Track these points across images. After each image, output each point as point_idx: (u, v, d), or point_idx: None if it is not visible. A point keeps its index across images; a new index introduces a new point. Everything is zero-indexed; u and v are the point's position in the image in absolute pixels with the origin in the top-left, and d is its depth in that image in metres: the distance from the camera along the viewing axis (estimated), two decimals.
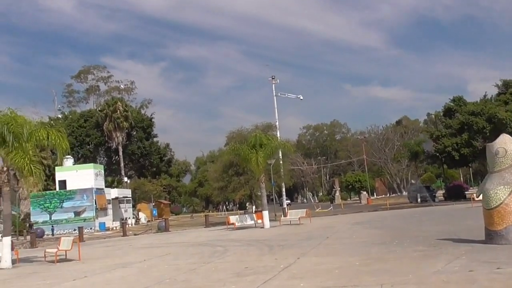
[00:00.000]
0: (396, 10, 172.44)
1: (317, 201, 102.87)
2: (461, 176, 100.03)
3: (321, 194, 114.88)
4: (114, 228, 45.60)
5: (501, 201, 13.20)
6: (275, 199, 68.19)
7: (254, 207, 51.99)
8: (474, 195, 37.86)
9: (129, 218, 52.63)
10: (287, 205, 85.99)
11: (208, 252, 18.38)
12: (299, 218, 31.41)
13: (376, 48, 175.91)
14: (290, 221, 32.51)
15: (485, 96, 55.83)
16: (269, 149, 31.28)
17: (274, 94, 50.08)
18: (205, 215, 41.67)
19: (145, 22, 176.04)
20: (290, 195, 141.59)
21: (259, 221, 32.12)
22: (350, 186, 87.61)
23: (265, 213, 31.29)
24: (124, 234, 35.50)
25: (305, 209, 33.75)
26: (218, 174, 46.82)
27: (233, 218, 32.59)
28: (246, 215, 34.33)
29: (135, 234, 37.00)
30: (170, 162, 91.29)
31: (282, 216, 36.90)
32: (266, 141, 31.65)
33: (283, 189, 48.73)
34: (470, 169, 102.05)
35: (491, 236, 13.31)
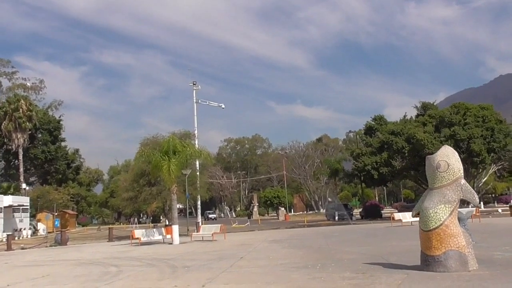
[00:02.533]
0: (322, 33, 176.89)
1: (234, 216, 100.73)
2: (376, 195, 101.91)
3: (239, 209, 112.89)
4: (1, 241, 40.42)
5: (441, 222, 11.35)
6: (194, 212, 65.27)
7: (167, 220, 48.78)
8: (397, 214, 37.17)
9: (24, 229, 47.32)
10: (212, 219, 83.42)
11: (97, 273, 15.29)
12: (212, 234, 28.79)
13: (302, 68, 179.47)
14: (203, 237, 29.87)
15: (404, 116, 56.41)
16: (183, 157, 28.49)
17: (194, 100, 47.49)
18: (109, 227, 37.83)
19: (68, 24, 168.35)
20: (207, 209, 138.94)
21: (168, 236, 29.19)
22: (269, 202, 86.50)
23: (175, 228, 28.39)
24: (9, 248, 30.86)
25: (220, 224, 31.18)
26: (128, 184, 43.26)
27: (138, 232, 29.32)
28: (154, 229, 31.15)
29: (22, 248, 32.48)
30: (78, 169, 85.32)
31: (196, 231, 34.14)
32: (181, 148, 28.83)
33: (198, 202, 45.74)
34: (385, 189, 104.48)
35: (428, 262, 11.41)
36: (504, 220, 35.57)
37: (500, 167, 45.22)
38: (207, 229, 30.57)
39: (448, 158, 11.71)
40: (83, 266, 17.93)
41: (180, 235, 29.51)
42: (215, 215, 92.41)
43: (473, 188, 24.95)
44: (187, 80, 48.39)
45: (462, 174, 11.75)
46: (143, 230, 31.16)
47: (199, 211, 47.36)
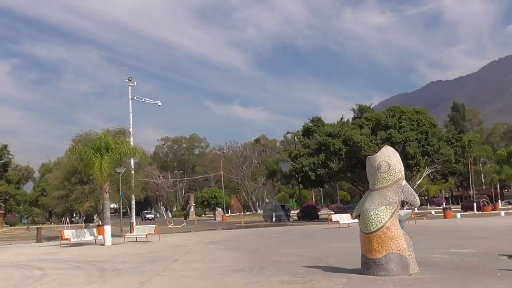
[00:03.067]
0: (261, 34, 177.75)
1: (170, 216, 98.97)
2: (313, 197, 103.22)
3: (175, 209, 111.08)
4: None
5: (382, 224, 11.12)
6: (129, 212, 63.26)
7: (100, 220, 46.85)
8: (335, 216, 37.34)
9: None
10: (150, 219, 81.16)
11: (18, 277, 14.08)
12: (146, 235, 27.71)
13: (240, 69, 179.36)
14: (137, 238, 28.71)
15: (341, 119, 57.22)
16: (117, 154, 27.22)
17: (130, 97, 45.97)
18: (37, 228, 35.76)
19: None
20: (143, 209, 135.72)
21: (100, 237, 27.84)
22: (206, 202, 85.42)
23: (107, 228, 27.13)
24: None
25: (154, 225, 30.11)
26: (58, 182, 41.16)
27: (68, 233, 27.78)
28: (85, 230, 29.63)
29: None
30: (6, 166, 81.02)
31: (130, 231, 32.85)
32: (114, 145, 27.55)
33: (133, 202, 44.24)
34: (322, 190, 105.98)
35: (369, 266, 11.14)
36: (437, 222, 36.63)
37: (433, 170, 46.66)
38: (141, 230, 29.44)
39: (389, 159, 11.50)
40: (4, 269, 16.57)
41: (113, 235, 28.29)
42: (152, 215, 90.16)
43: None
44: (123, 76, 46.83)
45: (403, 175, 11.60)
46: (73, 230, 29.60)
47: (133, 211, 45.83)
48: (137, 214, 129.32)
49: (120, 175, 36.89)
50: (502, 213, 43.97)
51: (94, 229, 29.63)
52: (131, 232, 31.76)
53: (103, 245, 26.54)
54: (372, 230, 11.16)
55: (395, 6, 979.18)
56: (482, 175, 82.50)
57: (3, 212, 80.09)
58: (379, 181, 11.43)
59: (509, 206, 60.82)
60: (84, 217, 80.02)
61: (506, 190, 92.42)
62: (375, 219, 11.17)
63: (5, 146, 79.74)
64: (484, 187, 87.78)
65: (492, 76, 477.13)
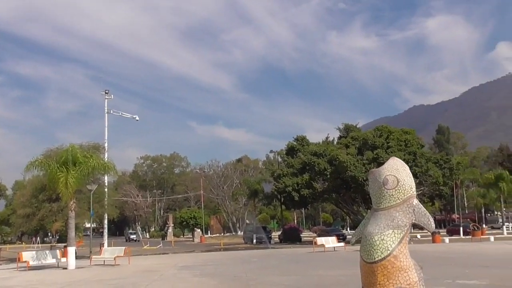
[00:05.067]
0: (247, 56, 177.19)
1: (147, 236, 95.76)
2: (295, 218, 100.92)
3: (153, 229, 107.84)
4: None
5: (388, 251, 8.97)
6: (117, 232, 60.24)
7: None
8: (320, 239, 34.86)
9: None
10: (134, 240, 77.60)
11: None
12: (115, 258, 25.24)
13: (225, 90, 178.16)
14: (104, 260, 26.20)
15: (327, 138, 55.51)
16: (85, 169, 24.85)
17: (106, 110, 43.63)
18: None
19: None
20: (121, 229, 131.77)
21: (64, 259, 25.28)
22: (185, 223, 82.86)
23: (71, 250, 24.65)
24: None
25: (124, 247, 27.64)
26: (25, 199, 38.67)
27: (26, 255, 25.15)
28: (47, 252, 26.96)
29: None
30: None
31: (101, 253, 30.22)
32: (83, 159, 25.19)
33: (105, 221, 41.62)
34: (304, 212, 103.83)
35: None
36: (427, 246, 34.59)
37: (420, 192, 44.94)
38: (109, 252, 26.94)
39: (397, 173, 9.43)
40: None
41: (81, 257, 25.79)
42: (135, 236, 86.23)
43: None
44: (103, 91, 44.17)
45: (415, 192, 9.54)
46: (34, 252, 26.93)
47: (105, 231, 43.04)
48: (120, 234, 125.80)
49: (92, 192, 34.52)
50: (492, 238, 42.32)
51: (58, 251, 26.99)
52: (99, 254, 29.16)
53: (66, 269, 24.01)
54: (377, 259, 9.02)
55: (380, 31, 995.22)
56: (465, 198, 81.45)
57: None
58: (386, 200, 9.35)
59: (494, 231, 59.38)
60: (57, 237, 76.70)
61: (489, 215, 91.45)
62: (380, 245, 9.04)
63: None
64: (467, 211, 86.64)
65: (473, 102, 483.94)
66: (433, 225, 9.44)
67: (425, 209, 9.37)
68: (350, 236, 53.78)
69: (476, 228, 46.86)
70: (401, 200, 9.25)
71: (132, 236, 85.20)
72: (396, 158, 10.09)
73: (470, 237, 43.94)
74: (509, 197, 57.32)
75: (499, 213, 71.25)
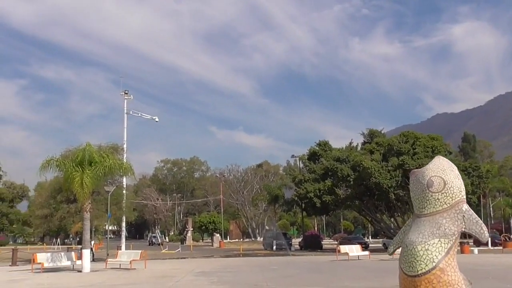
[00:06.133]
0: (267, 61, 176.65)
1: (167, 240, 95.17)
2: (315, 225, 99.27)
3: (172, 233, 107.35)
4: None
5: (434, 264, 7.81)
6: (137, 235, 59.60)
7: (93, 242, 43.54)
8: (343, 247, 33.30)
9: None
10: (158, 244, 76.60)
11: None
12: (130, 262, 24.34)
13: (245, 95, 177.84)
14: (120, 264, 25.33)
15: (350, 143, 54.09)
16: (101, 169, 24.03)
17: (125, 111, 43.12)
18: (13, 249, 32.38)
19: (8, 35, 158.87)
20: (140, 232, 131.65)
21: (80, 261, 24.53)
22: (204, 227, 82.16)
23: (86, 253, 23.90)
24: None
25: (140, 250, 26.75)
26: (43, 200, 38.25)
27: (41, 257, 24.41)
28: (62, 253, 26.25)
29: None
30: None
31: (116, 256, 29.41)
32: (99, 159, 24.42)
33: (123, 224, 40.96)
34: (324, 219, 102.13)
35: None
36: (457, 258, 32.96)
37: None
38: (125, 256, 26.06)
39: (444, 174, 8.26)
40: None
41: (98, 259, 24.97)
42: (159, 240, 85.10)
43: None
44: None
45: (464, 196, 8.34)
46: (49, 254, 26.21)
47: (123, 233, 42.41)
48: (139, 237, 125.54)
49: (109, 194, 33.89)
50: None
51: (73, 253, 26.26)
52: (116, 257, 28.33)
53: (80, 271, 23.22)
54: (420, 272, 7.85)
55: (404, 37, 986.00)
56: (491, 208, 78.99)
57: None
58: (430, 204, 8.16)
59: None
60: (78, 239, 76.57)
61: None
62: (424, 256, 7.87)
63: None
64: (493, 221, 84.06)
65: (498, 110, 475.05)
66: (487, 234, 8.18)
67: (477, 216, 8.13)
68: (373, 245, 52.15)
69: (507, 239, 44.91)
70: (448, 205, 8.05)
71: (154, 240, 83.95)
72: (442, 157, 8.89)
73: (501, 248, 42.07)
74: None
75: None
